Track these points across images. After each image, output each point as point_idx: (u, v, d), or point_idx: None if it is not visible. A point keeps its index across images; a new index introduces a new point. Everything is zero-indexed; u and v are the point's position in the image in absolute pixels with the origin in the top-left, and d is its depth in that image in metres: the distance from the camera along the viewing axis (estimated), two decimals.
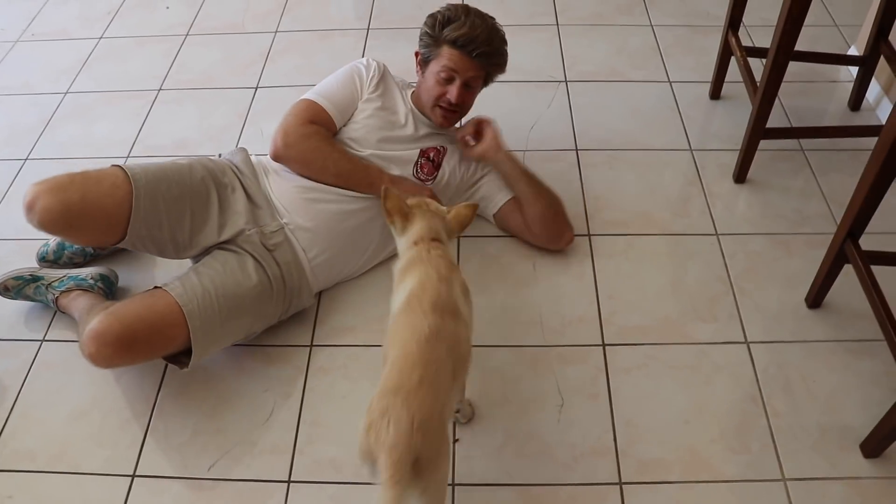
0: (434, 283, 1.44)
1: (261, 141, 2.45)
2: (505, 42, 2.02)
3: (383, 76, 2.08)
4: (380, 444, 1.23)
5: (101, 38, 2.99)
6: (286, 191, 1.93)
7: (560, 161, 2.36)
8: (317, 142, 1.93)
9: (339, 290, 2.03)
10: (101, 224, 1.74)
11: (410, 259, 1.51)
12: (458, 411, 1.72)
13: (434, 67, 1.98)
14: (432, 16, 2.01)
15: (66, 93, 2.73)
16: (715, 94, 2.58)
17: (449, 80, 1.97)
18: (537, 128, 2.45)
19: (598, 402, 1.78)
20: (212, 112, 2.61)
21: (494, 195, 2.11)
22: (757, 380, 1.81)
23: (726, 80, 2.54)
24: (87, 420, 1.79)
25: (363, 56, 2.11)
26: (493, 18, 2.01)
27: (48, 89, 2.75)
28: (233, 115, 2.58)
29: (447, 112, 2.02)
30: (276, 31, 2.96)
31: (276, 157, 1.94)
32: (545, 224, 2.05)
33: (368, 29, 2.95)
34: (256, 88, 2.70)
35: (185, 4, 3.15)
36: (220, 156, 2.05)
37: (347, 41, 2.90)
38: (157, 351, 1.69)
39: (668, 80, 2.67)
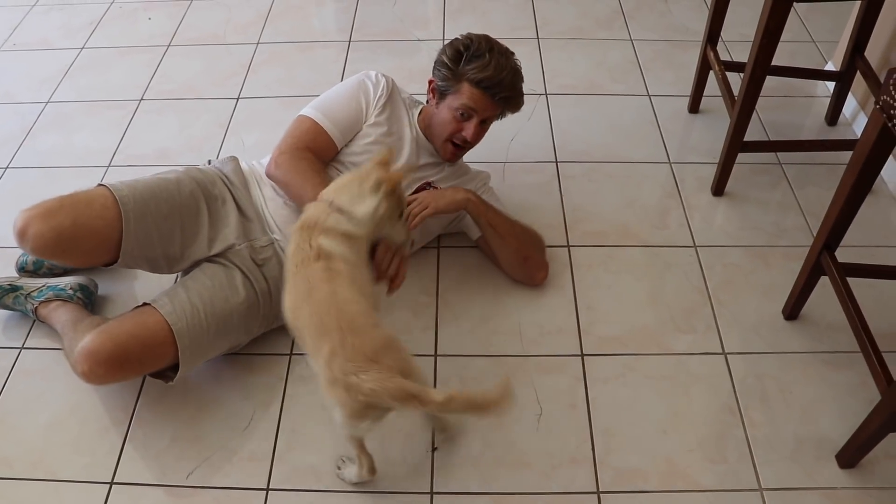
0: (296, 246, 1.53)
1: (242, 151, 2.45)
2: (522, 81, 1.97)
3: (391, 96, 2.00)
4: (371, 394, 1.32)
5: (83, 48, 2.98)
6: (280, 205, 1.90)
7: (540, 173, 2.37)
8: (304, 169, 1.84)
9: None
10: (93, 247, 1.72)
11: None
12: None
13: (452, 103, 1.92)
14: (453, 47, 1.94)
15: (47, 102, 2.71)
16: (694, 107, 2.60)
17: (467, 118, 1.93)
18: (517, 140, 2.46)
19: (576, 411, 1.77)
20: (193, 122, 2.60)
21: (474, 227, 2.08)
22: (734, 390, 1.82)
23: (705, 94, 2.57)
24: (64, 427, 1.77)
25: (350, 67, 2.08)
26: (513, 54, 1.95)
27: (29, 98, 2.74)
28: (214, 126, 2.58)
29: (458, 149, 2.00)
30: (257, 43, 2.97)
31: (268, 175, 1.90)
32: (512, 268, 2.04)
33: (350, 41, 2.96)
34: (238, 99, 2.69)
35: (167, 16, 3.15)
36: (209, 163, 2.03)
37: (329, 53, 2.91)
38: (147, 368, 1.69)
39: (648, 94, 2.69)
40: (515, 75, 1.94)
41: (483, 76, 1.88)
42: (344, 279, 1.47)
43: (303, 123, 1.93)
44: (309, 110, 1.94)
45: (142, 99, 2.71)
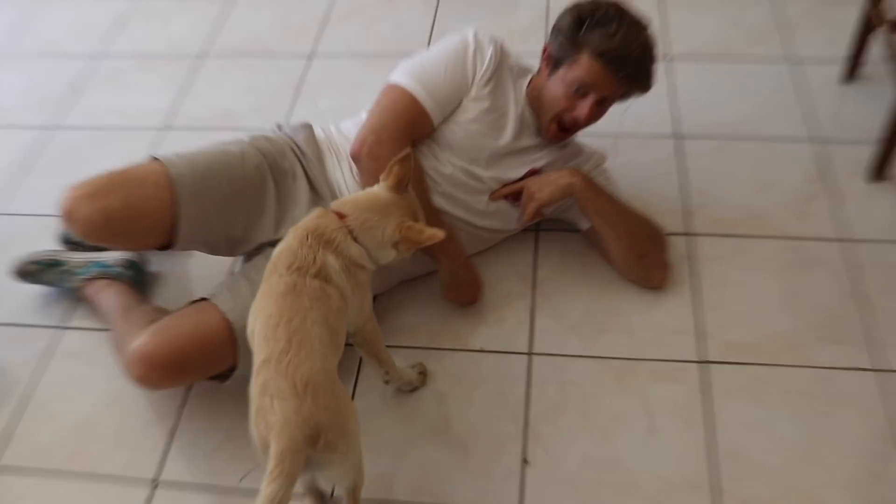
0: (292, 243, 1.50)
1: (315, 116, 2.46)
2: (655, 60, 1.90)
3: (499, 65, 1.94)
4: (270, 429, 1.27)
5: None
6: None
7: (657, 149, 2.33)
8: (385, 156, 1.76)
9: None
10: (146, 230, 1.75)
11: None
12: (387, 373, 1.76)
13: (567, 75, 1.86)
14: (576, 9, 1.87)
15: (98, 56, 2.79)
16: (849, 76, 2.50)
17: (582, 95, 1.87)
18: (632, 108, 2.40)
19: (693, 428, 1.73)
20: (261, 81, 2.65)
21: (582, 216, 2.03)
22: (887, 415, 1.74)
23: (865, 60, 2.47)
24: (107, 418, 1.82)
25: (467, 31, 1.95)
26: (647, 27, 1.88)
27: (79, 51, 2.83)
28: (284, 86, 2.62)
29: (564, 132, 1.95)
30: None
31: (355, 159, 1.85)
32: (626, 266, 1.99)
33: None
34: (312, 57, 2.72)
35: None
36: (279, 128, 2.03)
37: (416, 6, 2.92)
38: (207, 372, 1.71)
39: (793, 60, 2.60)
40: (646, 51, 1.87)
41: (606, 47, 1.81)
42: (327, 311, 1.45)
43: (400, 97, 1.86)
44: (405, 79, 1.87)
45: (204, 55, 2.77)
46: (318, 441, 1.28)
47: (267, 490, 1.20)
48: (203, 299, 1.72)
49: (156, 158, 1.79)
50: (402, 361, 1.85)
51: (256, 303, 1.48)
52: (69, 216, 1.68)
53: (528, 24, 2.75)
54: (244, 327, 1.61)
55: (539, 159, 1.99)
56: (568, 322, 1.93)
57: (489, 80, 1.92)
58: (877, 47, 2.40)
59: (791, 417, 1.74)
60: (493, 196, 1.94)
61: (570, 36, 1.85)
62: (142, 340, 1.63)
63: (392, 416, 1.78)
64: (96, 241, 1.80)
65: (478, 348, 1.89)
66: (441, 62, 1.91)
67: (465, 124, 1.91)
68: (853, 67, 2.48)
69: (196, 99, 2.61)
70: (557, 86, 1.89)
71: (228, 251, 1.87)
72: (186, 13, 2.97)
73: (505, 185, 1.94)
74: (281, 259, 1.49)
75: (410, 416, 1.77)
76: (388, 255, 1.56)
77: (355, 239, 1.52)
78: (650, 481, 1.65)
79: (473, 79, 1.91)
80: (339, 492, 1.55)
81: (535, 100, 1.97)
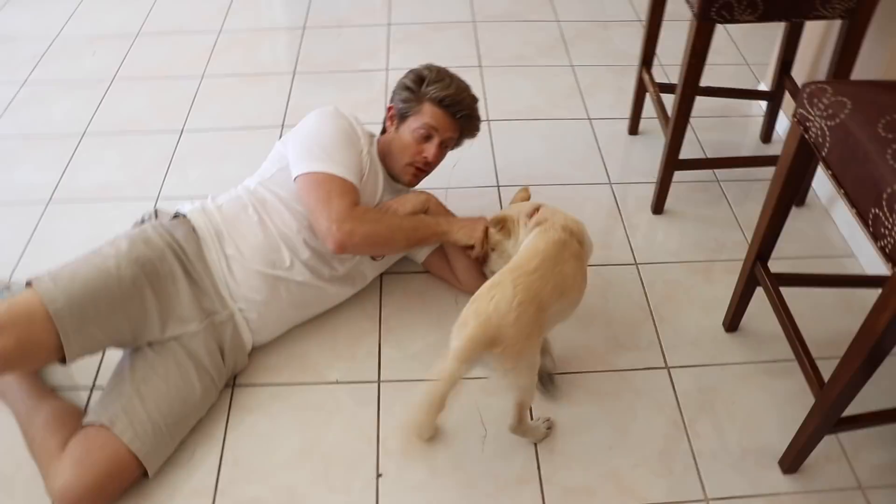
0: (563, 217, 1.67)
1: (186, 185, 2.43)
2: (478, 109, 2.05)
3: (368, 142, 1.95)
4: (474, 315, 1.40)
5: (24, 82, 2.95)
6: (244, 266, 1.80)
7: (482, 198, 2.38)
8: (378, 216, 1.84)
9: None
10: (40, 360, 1.65)
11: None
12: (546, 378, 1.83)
13: (413, 124, 1.94)
14: (415, 72, 1.99)
15: None
16: (633, 129, 2.64)
17: (427, 139, 1.95)
18: (460, 165, 2.47)
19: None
20: (137, 156, 2.57)
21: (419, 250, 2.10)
22: (678, 404, 1.83)
23: (643, 115, 2.62)
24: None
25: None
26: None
27: None
28: (158, 159, 2.55)
29: (419, 172, 1.99)
30: (202, 76, 2.95)
31: (342, 251, 1.78)
32: (471, 279, 1.98)
33: (295, 73, 2.96)
34: (182, 132, 2.67)
35: (111, 50, 3.13)
36: (155, 216, 1.90)
37: (274, 85, 2.91)
38: (122, 488, 1.62)
39: (589, 118, 2.73)
40: (474, 99, 2.02)
41: (445, 94, 1.93)
42: (572, 271, 1.59)
43: (334, 182, 1.78)
44: (323, 165, 1.79)
45: (84, 133, 2.68)
46: (496, 347, 1.39)
47: (451, 365, 1.35)
48: (102, 426, 1.60)
49: (35, 290, 1.61)
50: (270, 398, 1.84)
51: (534, 237, 1.62)
52: None
53: (373, 96, 2.79)
54: (150, 452, 1.61)
55: None
56: (411, 351, 1.94)
57: (367, 153, 1.92)
58: (649, 105, 2.54)
59: (599, 413, 1.80)
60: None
61: (412, 90, 1.96)
62: (63, 480, 1.54)
63: (259, 442, 1.75)
64: None
65: (334, 380, 1.88)
66: (338, 142, 1.86)
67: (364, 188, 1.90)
68: (635, 123, 2.62)
69: (78, 173, 2.51)
70: (406, 135, 1.95)
71: (123, 348, 1.76)
72: (68, 97, 2.87)
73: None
74: (556, 221, 1.64)
75: (276, 442, 1.75)
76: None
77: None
78: (486, 480, 1.68)
79: (362, 159, 1.90)
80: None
81: (385, 155, 2.00)
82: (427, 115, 1.94)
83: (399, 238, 1.85)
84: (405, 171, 1.99)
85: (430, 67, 2.00)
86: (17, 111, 2.81)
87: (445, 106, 1.94)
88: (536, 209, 1.74)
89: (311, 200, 1.78)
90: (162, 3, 3.48)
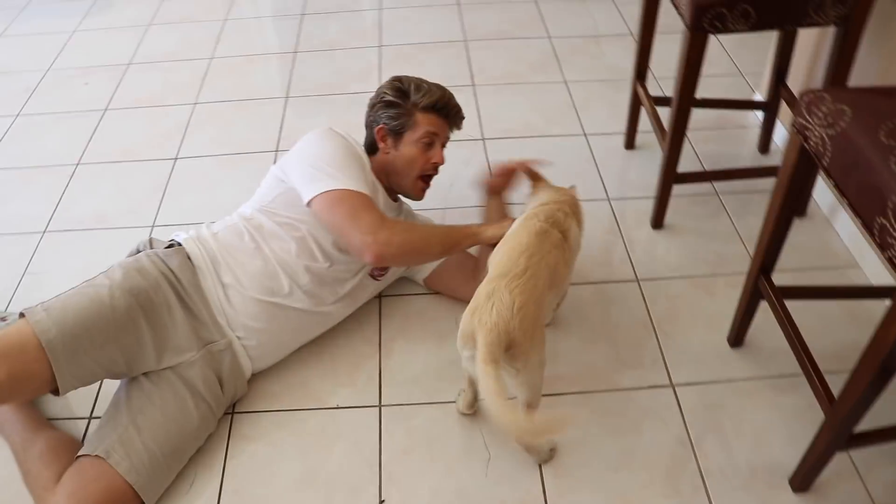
0: (550, 207, 1.70)
1: (180, 212, 2.42)
2: None
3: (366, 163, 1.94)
4: (480, 325, 1.41)
5: (17, 115, 2.94)
6: (240, 293, 1.77)
7: (480, 217, 2.35)
8: (406, 227, 1.84)
9: None
10: (33, 391, 1.61)
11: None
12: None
13: (413, 136, 1.95)
14: (391, 89, 1.98)
15: None
16: (629, 144, 2.62)
17: (431, 145, 1.97)
18: (456, 185, 2.45)
19: (525, 455, 1.73)
20: (130, 185, 2.56)
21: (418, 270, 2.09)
22: (685, 422, 1.79)
23: (639, 129, 2.60)
24: None
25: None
26: None
27: None
28: (152, 188, 2.53)
29: (429, 179, 2.02)
30: (195, 103, 2.95)
31: (382, 260, 1.74)
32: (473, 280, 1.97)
33: (287, 97, 2.96)
34: (175, 160, 2.66)
35: (104, 81, 3.13)
36: (150, 244, 1.88)
37: (266, 110, 2.90)
38: None
39: (584, 133, 2.71)
40: (452, 94, 2.05)
41: (431, 100, 1.96)
42: (558, 260, 1.61)
43: (356, 197, 1.75)
44: (340, 182, 1.76)
45: (78, 164, 2.67)
46: (508, 350, 1.41)
47: (486, 367, 1.35)
48: (97, 457, 1.57)
49: (24, 315, 1.60)
50: (271, 425, 1.81)
51: (510, 233, 1.65)
52: None
53: (364, 119, 2.76)
54: (146, 484, 1.58)
55: None
56: (412, 375, 1.91)
57: (369, 168, 1.92)
58: (644, 119, 2.53)
59: (604, 434, 1.76)
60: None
61: (400, 105, 1.96)
62: None
63: (260, 471, 1.72)
64: None
65: (334, 406, 1.85)
66: (346, 159, 1.83)
67: None
68: (631, 137, 2.61)
69: (72, 203, 2.49)
70: (409, 149, 1.95)
71: (118, 378, 1.73)
72: (61, 128, 2.86)
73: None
74: (542, 211, 1.68)
75: (277, 470, 1.72)
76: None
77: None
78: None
79: (367, 177, 1.87)
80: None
81: (385, 174, 1.99)
82: (424, 123, 1.95)
83: (434, 243, 1.84)
84: (416, 186, 2.00)
85: (400, 79, 2.02)
86: (11, 144, 2.80)
87: (438, 110, 1.97)
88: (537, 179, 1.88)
89: (336, 219, 1.74)
90: (153, 33, 3.48)
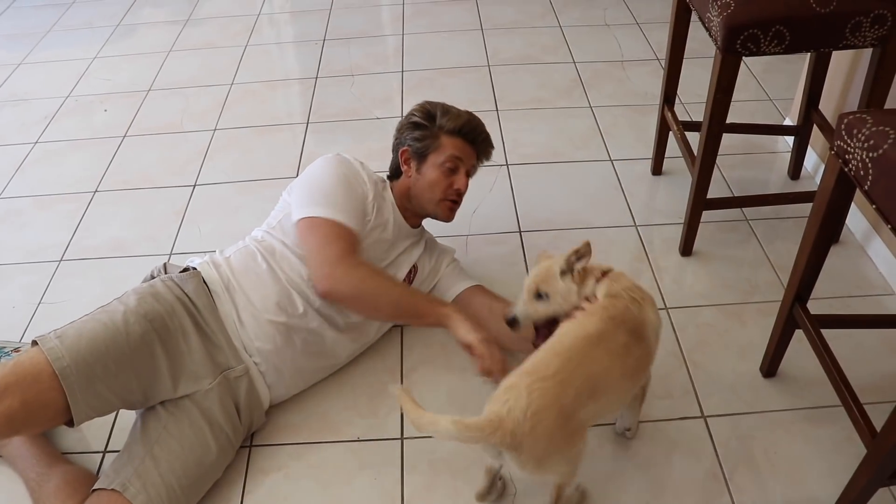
0: (623, 302, 1.48)
1: (199, 239, 2.42)
2: None
3: (374, 183, 1.92)
4: (486, 413, 1.33)
5: (36, 142, 2.97)
6: (255, 316, 1.76)
7: (504, 244, 2.35)
8: (367, 273, 1.75)
9: None
10: (49, 418, 1.58)
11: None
12: (628, 429, 1.77)
13: (436, 160, 1.95)
14: (419, 111, 2.00)
15: None
16: (657, 169, 2.61)
17: (454, 171, 1.96)
18: (479, 212, 2.45)
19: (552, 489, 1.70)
20: (149, 211, 2.58)
21: (453, 284, 2.05)
22: (717, 455, 1.76)
23: (666, 155, 2.58)
24: None
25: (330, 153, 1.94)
26: None
27: None
28: (170, 214, 2.55)
29: (454, 204, 2.00)
30: (214, 129, 2.97)
31: (326, 296, 1.76)
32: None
33: (308, 123, 2.97)
34: (194, 186, 2.67)
35: (123, 107, 3.16)
36: (164, 270, 1.89)
37: (286, 136, 2.92)
38: None
39: (610, 159, 2.70)
40: (482, 122, 2.05)
41: (460, 124, 1.96)
42: (613, 368, 1.45)
43: (332, 228, 1.76)
44: (322, 210, 1.78)
45: (96, 191, 2.69)
46: (513, 451, 1.32)
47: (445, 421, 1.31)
48: (114, 490, 1.55)
49: (37, 343, 1.59)
50: (290, 458, 1.79)
51: (561, 329, 1.46)
52: None
53: (385, 144, 2.75)
54: None
55: (414, 256, 2.00)
56: (434, 406, 1.86)
57: (373, 199, 1.89)
58: (672, 145, 2.52)
59: (633, 467, 1.73)
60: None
61: (426, 127, 1.97)
62: None
63: None
64: (1, 438, 1.68)
65: (355, 438, 1.83)
66: (339, 187, 1.84)
67: (371, 235, 1.87)
68: (658, 162, 2.59)
69: (90, 231, 2.51)
70: (432, 172, 1.95)
71: (134, 409, 1.72)
72: (79, 154, 2.88)
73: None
74: (609, 307, 1.47)
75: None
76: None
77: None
78: None
79: (367, 207, 1.87)
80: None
81: (407, 198, 1.99)
82: (449, 147, 1.95)
83: (387, 303, 1.76)
84: (441, 207, 1.98)
85: (430, 102, 2.03)
86: (29, 171, 2.83)
87: (464, 135, 1.97)
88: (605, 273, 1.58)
89: (307, 245, 1.78)
90: (173, 58, 3.53)
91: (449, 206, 1.99)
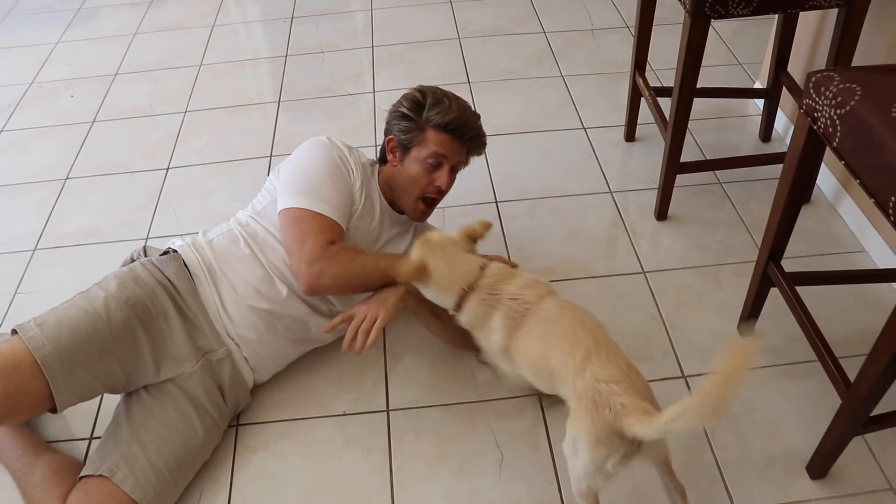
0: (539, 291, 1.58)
1: (174, 222, 2.42)
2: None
3: (362, 168, 1.88)
4: (622, 411, 1.28)
5: (1, 131, 2.94)
6: (236, 301, 1.75)
7: (480, 214, 2.36)
8: (350, 257, 1.72)
9: None
10: (32, 406, 1.58)
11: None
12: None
13: (419, 154, 1.87)
14: (410, 98, 1.91)
15: None
16: (630, 136, 2.64)
17: (437, 167, 1.88)
18: (456, 184, 2.46)
19: (538, 452, 1.74)
20: (122, 196, 2.56)
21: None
22: None
23: (639, 121, 2.62)
24: None
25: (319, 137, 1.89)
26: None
27: None
28: (144, 198, 2.54)
29: (433, 202, 1.94)
30: (185, 111, 2.95)
31: (311, 293, 1.74)
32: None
33: (280, 101, 2.97)
34: (168, 169, 2.66)
35: (90, 92, 3.13)
36: (144, 253, 1.87)
37: (259, 115, 2.91)
38: None
39: (584, 127, 2.73)
40: (477, 117, 1.95)
41: (448, 118, 1.86)
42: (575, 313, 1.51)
43: (312, 220, 1.73)
44: (304, 201, 1.75)
45: (67, 178, 2.67)
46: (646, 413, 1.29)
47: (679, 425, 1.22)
48: (101, 476, 1.57)
49: (16, 332, 1.59)
50: (277, 436, 1.81)
51: (536, 330, 1.51)
52: None
53: (358, 121, 2.79)
54: (152, 501, 1.57)
55: (402, 246, 1.97)
56: (418, 377, 1.92)
57: (361, 186, 1.86)
58: (644, 111, 2.54)
59: None
60: (329, 328, 1.74)
61: (412, 119, 1.88)
62: None
63: (268, 483, 1.72)
64: None
65: (341, 412, 1.85)
66: (324, 176, 1.80)
67: (356, 225, 1.85)
68: (631, 129, 2.62)
69: (63, 219, 2.50)
70: (413, 166, 1.88)
71: (117, 393, 1.71)
72: (47, 142, 2.86)
73: (340, 316, 1.75)
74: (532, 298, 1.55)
75: (286, 481, 1.72)
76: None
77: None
78: None
79: (353, 179, 1.84)
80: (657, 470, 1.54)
81: (389, 189, 1.94)
82: (433, 142, 1.87)
83: (375, 277, 1.73)
84: (415, 208, 1.93)
85: (423, 90, 1.92)
86: None
87: (451, 130, 1.87)
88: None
89: (287, 238, 1.75)
90: (139, 41, 3.49)
91: (423, 208, 1.93)
